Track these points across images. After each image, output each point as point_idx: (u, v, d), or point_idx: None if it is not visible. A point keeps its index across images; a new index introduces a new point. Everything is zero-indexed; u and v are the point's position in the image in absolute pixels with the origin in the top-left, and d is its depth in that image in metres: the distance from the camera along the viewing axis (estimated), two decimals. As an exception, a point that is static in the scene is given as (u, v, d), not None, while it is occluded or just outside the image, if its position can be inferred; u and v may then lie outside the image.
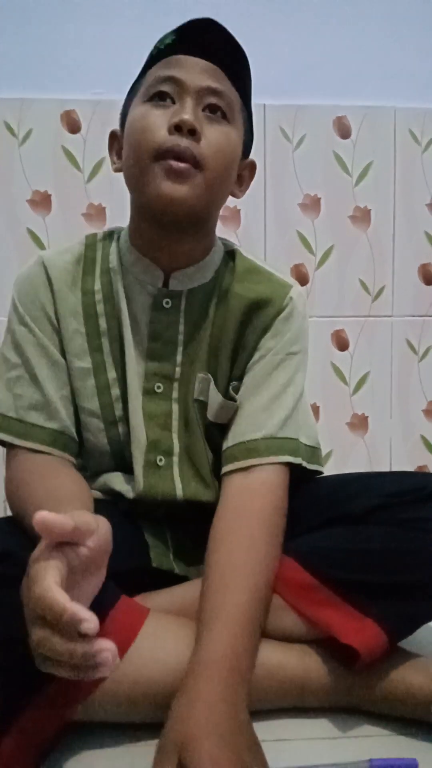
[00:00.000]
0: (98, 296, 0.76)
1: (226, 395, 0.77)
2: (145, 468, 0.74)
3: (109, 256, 0.78)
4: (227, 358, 0.77)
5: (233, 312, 0.76)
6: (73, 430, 0.75)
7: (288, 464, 0.72)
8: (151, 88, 0.69)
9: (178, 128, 0.66)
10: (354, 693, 0.64)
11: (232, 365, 0.77)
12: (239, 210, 1.27)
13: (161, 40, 0.72)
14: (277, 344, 0.76)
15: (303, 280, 1.30)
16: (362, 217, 1.31)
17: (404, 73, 1.32)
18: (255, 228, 1.29)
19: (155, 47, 0.72)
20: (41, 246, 1.24)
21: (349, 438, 1.32)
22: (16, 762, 0.55)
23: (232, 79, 0.71)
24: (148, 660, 0.59)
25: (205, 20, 0.70)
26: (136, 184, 0.70)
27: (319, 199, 1.30)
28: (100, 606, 0.53)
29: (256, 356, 0.76)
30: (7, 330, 0.76)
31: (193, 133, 0.66)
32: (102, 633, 0.45)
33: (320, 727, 0.65)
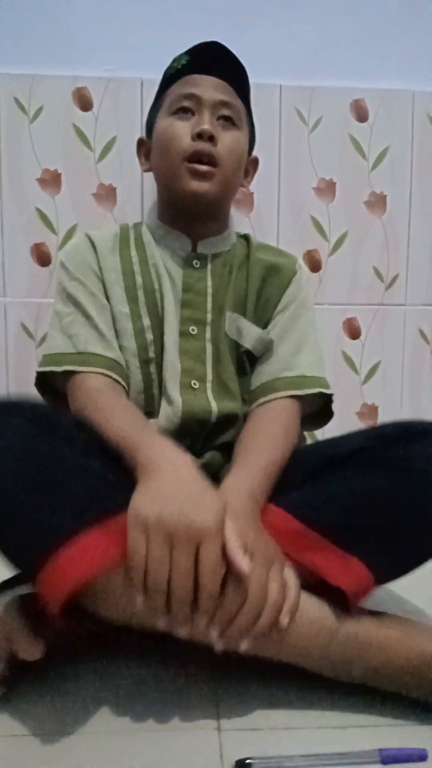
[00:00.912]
0: (134, 259, 0.93)
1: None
2: (182, 390, 0.88)
3: (142, 235, 0.97)
4: (253, 306, 0.94)
5: (255, 271, 0.95)
6: (124, 363, 0.88)
7: (298, 398, 0.89)
8: (175, 103, 0.89)
9: (200, 135, 0.86)
10: (382, 651, 0.65)
11: (258, 313, 0.94)
12: (252, 193, 1.24)
13: (177, 61, 0.93)
14: (295, 299, 0.94)
15: (316, 266, 1.28)
16: (377, 202, 1.29)
17: (423, 56, 1.28)
18: (268, 212, 1.26)
19: (172, 67, 0.93)
20: (50, 226, 1.22)
21: (358, 428, 1.31)
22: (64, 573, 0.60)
23: (237, 92, 0.91)
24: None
25: (213, 43, 0.90)
26: (167, 181, 0.91)
27: (334, 183, 1.27)
28: None
29: (280, 307, 0.94)
30: (58, 291, 0.91)
31: (211, 138, 0.86)
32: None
33: (329, 716, 0.65)
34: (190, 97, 0.88)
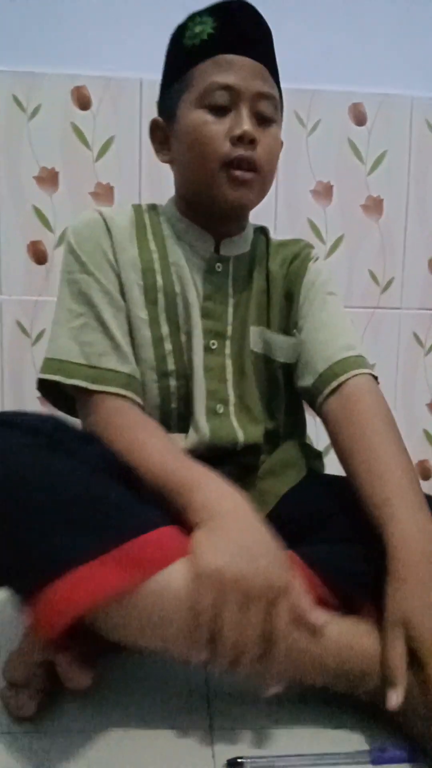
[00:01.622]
0: (154, 254, 0.82)
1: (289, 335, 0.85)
2: (208, 416, 0.79)
3: (161, 225, 0.84)
4: (278, 311, 0.85)
5: (275, 271, 0.86)
6: (139, 377, 0.79)
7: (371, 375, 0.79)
8: (207, 95, 0.75)
9: (240, 139, 0.73)
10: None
11: (287, 315, 0.86)
12: (250, 195, 1.25)
13: (199, 25, 0.76)
14: (315, 284, 0.85)
15: (312, 268, 1.29)
16: (374, 206, 1.29)
17: (422, 62, 1.29)
18: (265, 214, 1.26)
19: (194, 35, 0.76)
20: (47, 224, 1.22)
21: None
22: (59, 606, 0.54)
23: (272, 73, 0.77)
24: (170, 593, 0.57)
25: (242, 4, 0.76)
26: (201, 186, 0.78)
27: (332, 186, 1.28)
28: (159, 518, 0.60)
29: (301, 298, 0.85)
30: (65, 282, 0.79)
31: (252, 142, 0.74)
32: (140, 546, 0.56)
33: (322, 715, 0.65)
34: (227, 88, 0.74)
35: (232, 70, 0.74)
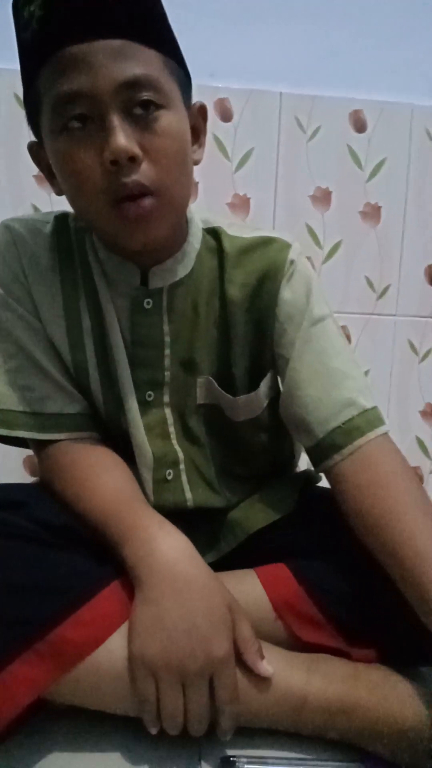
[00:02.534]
0: (80, 290, 0.68)
1: (249, 388, 0.72)
2: (155, 485, 0.72)
3: (85, 246, 0.69)
4: (242, 352, 0.70)
5: (237, 302, 0.68)
6: (88, 411, 0.71)
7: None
8: (58, 115, 0.55)
9: (114, 162, 0.55)
10: (354, 717, 0.58)
11: (254, 356, 0.71)
12: (249, 199, 1.25)
13: (28, 9, 0.54)
14: (294, 316, 0.68)
15: (308, 273, 1.29)
16: (372, 213, 1.30)
17: (424, 70, 1.29)
18: (264, 218, 1.27)
19: (26, 24, 0.55)
20: None
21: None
22: None
23: (145, 40, 0.55)
24: (108, 671, 0.56)
25: None
26: (99, 228, 0.62)
27: (331, 192, 1.28)
28: (93, 585, 0.57)
29: (276, 336, 0.68)
30: None
31: (133, 160, 0.55)
32: (88, 614, 0.55)
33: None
34: (78, 98, 0.54)
35: (78, 69, 0.53)
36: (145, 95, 0.55)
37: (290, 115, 1.24)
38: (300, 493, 0.77)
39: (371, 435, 0.65)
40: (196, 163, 0.65)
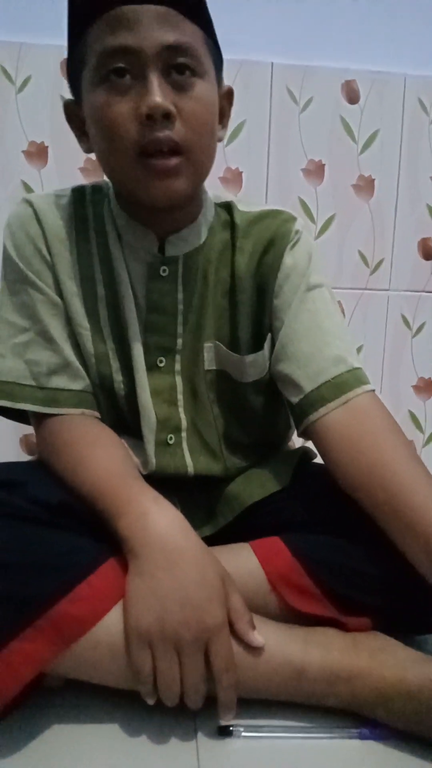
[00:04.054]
0: (95, 258, 0.72)
1: (255, 350, 0.74)
2: (157, 447, 0.74)
3: (103, 217, 0.73)
4: (248, 315, 0.73)
5: (246, 268, 0.72)
6: (91, 389, 0.73)
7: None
8: (102, 67, 0.60)
9: (150, 117, 0.59)
10: (355, 684, 0.59)
11: (258, 319, 0.74)
12: (241, 173, 1.24)
13: None
14: (291, 276, 0.72)
15: (302, 248, 1.29)
16: (366, 186, 1.29)
17: (417, 40, 1.27)
18: (256, 192, 1.26)
19: None
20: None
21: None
22: None
23: (189, 14, 0.61)
24: (105, 646, 0.57)
25: None
26: (122, 181, 0.65)
27: (324, 165, 1.27)
28: (91, 562, 0.58)
29: (275, 296, 0.72)
30: (5, 291, 0.71)
31: (167, 117, 0.59)
32: (86, 590, 0.56)
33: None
34: (121, 51, 0.58)
35: (127, 27, 0.58)
36: (185, 60, 0.60)
37: (282, 86, 1.23)
38: (296, 469, 0.78)
39: (359, 390, 0.67)
40: (219, 140, 0.69)
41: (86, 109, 0.64)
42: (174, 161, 0.61)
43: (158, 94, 0.59)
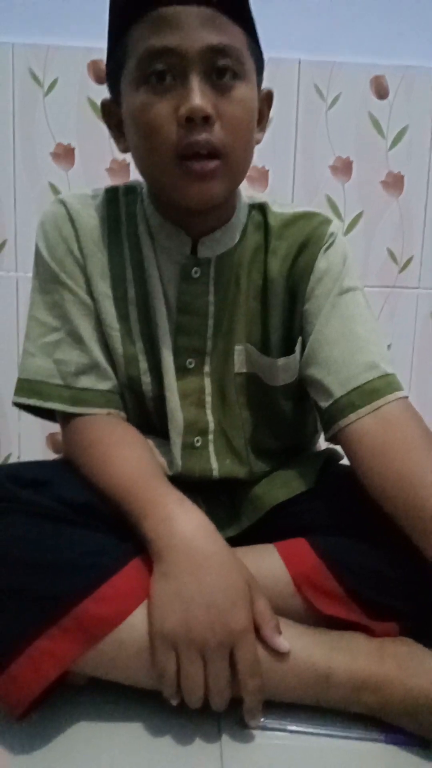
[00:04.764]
0: (128, 261, 0.72)
1: (286, 353, 0.73)
2: (183, 450, 0.73)
3: (136, 218, 0.73)
4: (279, 319, 0.72)
5: (278, 271, 0.71)
6: (118, 391, 0.73)
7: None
8: (144, 67, 0.59)
9: (189, 119, 0.58)
10: (380, 692, 0.58)
11: (290, 323, 0.73)
12: (267, 171, 1.23)
13: None
14: (324, 279, 0.70)
15: (329, 246, 1.27)
16: (394, 183, 1.27)
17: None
18: (282, 190, 1.25)
19: None
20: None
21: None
22: (20, 688, 0.54)
23: (233, 16, 0.60)
24: (130, 646, 0.57)
25: None
26: (158, 182, 0.65)
27: (351, 162, 1.25)
28: (116, 561, 0.58)
29: (306, 299, 0.70)
30: (36, 290, 0.72)
31: (207, 120, 0.58)
32: (110, 591, 0.56)
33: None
34: (165, 53, 0.58)
35: (170, 28, 0.58)
36: (227, 63, 0.59)
37: (309, 83, 1.22)
38: (321, 470, 0.77)
39: (391, 397, 0.65)
40: (257, 143, 0.69)
41: (125, 109, 0.64)
42: (212, 165, 0.60)
43: (198, 97, 0.58)
